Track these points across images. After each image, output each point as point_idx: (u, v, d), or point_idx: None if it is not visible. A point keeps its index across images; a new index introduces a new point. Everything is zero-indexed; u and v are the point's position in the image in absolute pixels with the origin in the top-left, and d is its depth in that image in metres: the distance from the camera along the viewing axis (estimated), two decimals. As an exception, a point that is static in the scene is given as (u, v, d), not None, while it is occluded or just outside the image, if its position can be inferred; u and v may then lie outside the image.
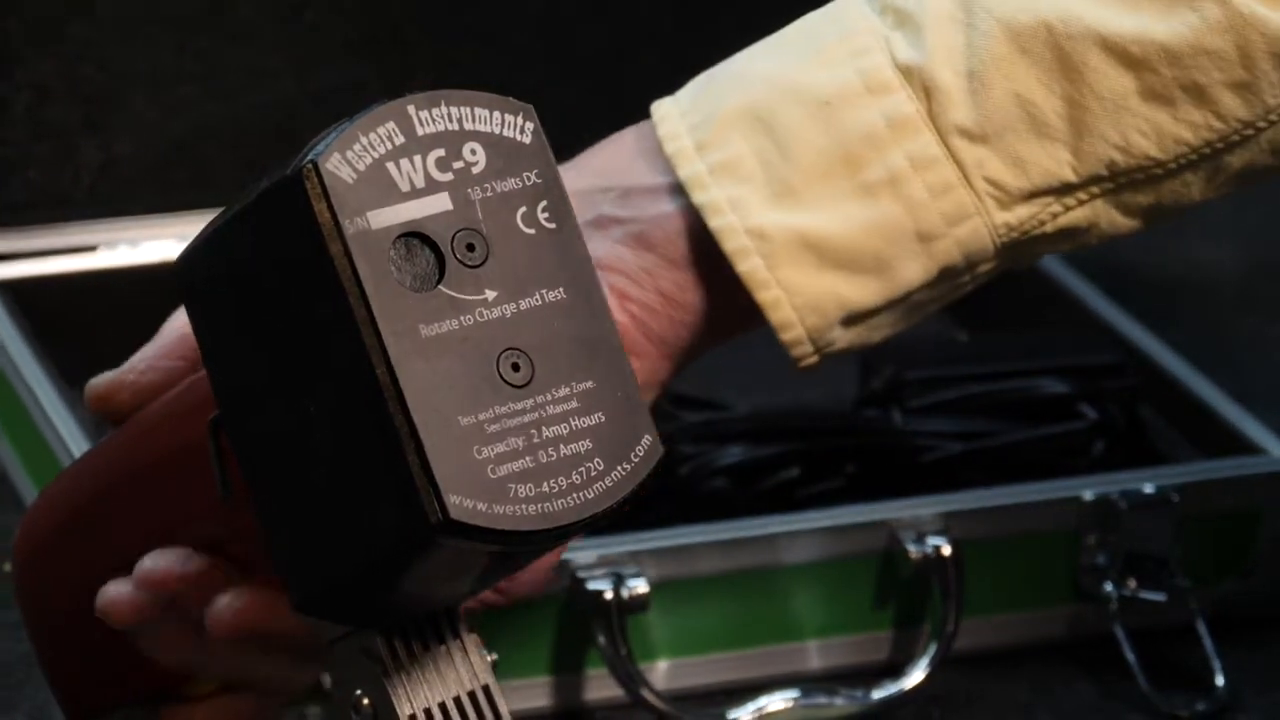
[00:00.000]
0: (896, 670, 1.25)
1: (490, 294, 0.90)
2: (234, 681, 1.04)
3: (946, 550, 1.25)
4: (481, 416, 0.89)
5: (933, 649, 1.25)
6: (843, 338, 0.99)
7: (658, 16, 1.52)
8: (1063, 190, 1.03)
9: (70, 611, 1.03)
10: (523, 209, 0.91)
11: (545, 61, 1.50)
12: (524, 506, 0.88)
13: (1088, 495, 1.27)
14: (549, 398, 0.90)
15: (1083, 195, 1.04)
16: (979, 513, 1.27)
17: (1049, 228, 1.04)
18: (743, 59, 1.06)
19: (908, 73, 1.02)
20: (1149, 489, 1.25)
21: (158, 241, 1.41)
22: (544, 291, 0.91)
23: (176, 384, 1.00)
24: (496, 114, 0.92)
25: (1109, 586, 1.25)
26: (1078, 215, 1.05)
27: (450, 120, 0.92)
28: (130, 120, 1.42)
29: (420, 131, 0.90)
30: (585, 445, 0.89)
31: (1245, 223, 1.60)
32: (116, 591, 0.98)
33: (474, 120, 0.92)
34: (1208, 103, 1.01)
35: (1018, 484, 1.31)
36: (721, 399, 1.38)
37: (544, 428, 0.89)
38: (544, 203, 0.91)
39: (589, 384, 0.90)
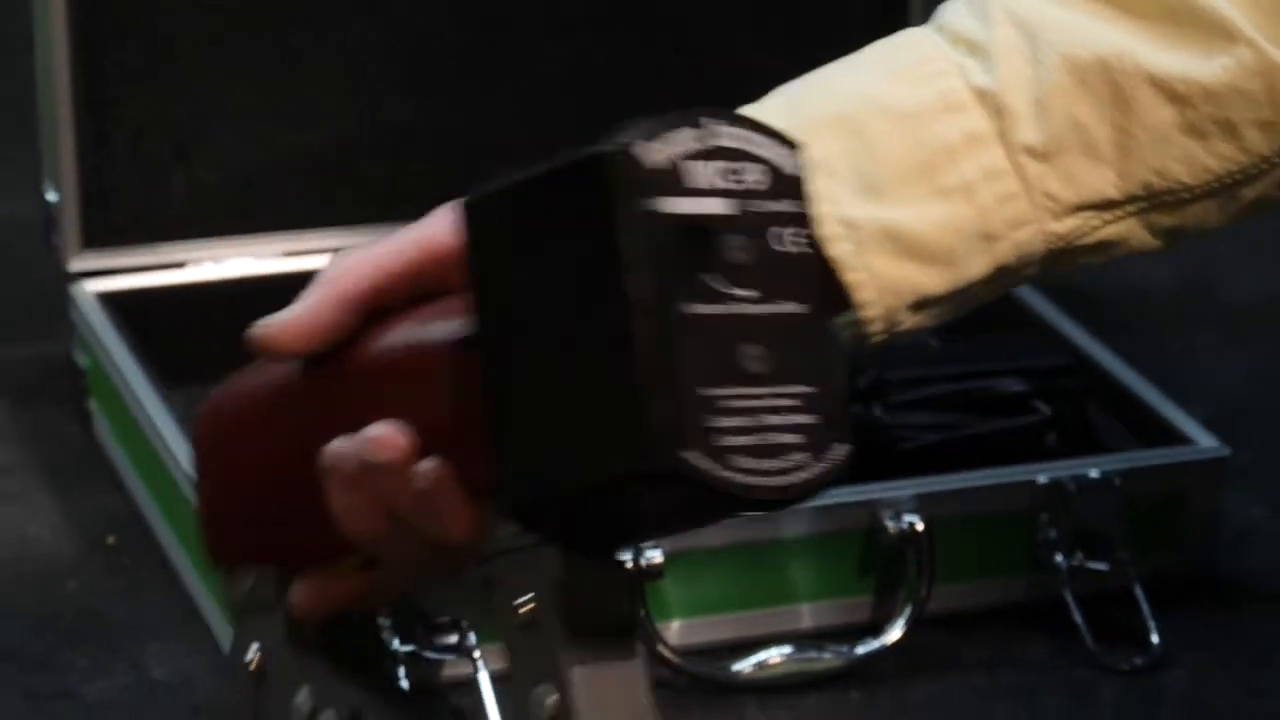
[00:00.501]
0: (877, 629, 1.31)
1: (747, 293, 0.96)
2: (385, 559, 1.06)
3: (920, 526, 1.30)
4: (718, 392, 0.94)
5: (908, 611, 1.30)
6: (909, 320, 1.04)
7: (682, 57, 1.57)
8: (1104, 206, 1.08)
9: (249, 481, 1.07)
10: (784, 230, 0.97)
11: (575, 99, 1.54)
12: (737, 475, 0.93)
13: (1042, 479, 1.31)
14: (777, 392, 0.95)
15: (1120, 213, 1.09)
16: (949, 494, 1.32)
17: (1089, 239, 1.09)
18: (825, 76, 1.11)
19: (982, 96, 1.07)
20: (1095, 474, 1.31)
21: (238, 259, 1.46)
22: (790, 303, 0.97)
23: (340, 339, 1.03)
24: (774, 144, 0.99)
25: (1060, 558, 1.30)
26: (1113, 230, 1.09)
27: (739, 140, 0.98)
28: (213, 153, 1.47)
29: (714, 143, 0.97)
30: (798, 439, 0.94)
31: (1177, 247, 1.63)
32: (341, 445, 1.02)
33: (756, 145, 0.98)
34: (1236, 137, 1.06)
35: (982, 470, 1.35)
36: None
37: (768, 416, 0.95)
38: (799, 229, 0.97)
39: (812, 389, 0.95)
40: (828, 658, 1.30)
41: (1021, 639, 1.31)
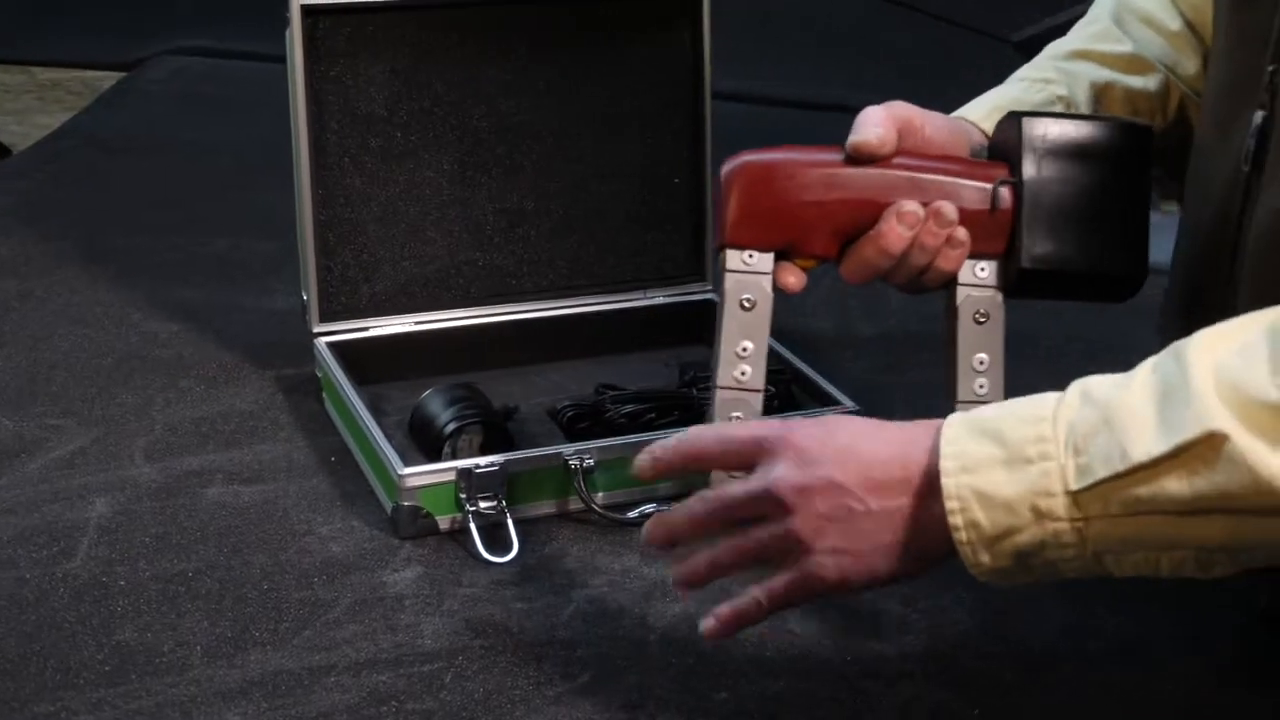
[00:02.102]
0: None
1: None
2: (870, 267, 0.97)
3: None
4: None
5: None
6: None
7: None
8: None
9: (785, 208, 0.96)
10: None
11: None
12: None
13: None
14: None
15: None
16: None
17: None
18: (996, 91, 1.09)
19: (1061, 98, 1.08)
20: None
21: (392, 326, 1.42)
22: None
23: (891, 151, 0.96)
24: None
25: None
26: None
27: None
28: (380, 276, 1.43)
29: None
30: None
31: (831, 317, 1.58)
32: (915, 205, 0.95)
33: None
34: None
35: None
36: (624, 385, 1.35)
37: None
38: None
39: None
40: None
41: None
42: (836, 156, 0.97)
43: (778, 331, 1.40)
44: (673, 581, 0.94)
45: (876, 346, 1.52)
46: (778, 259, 0.97)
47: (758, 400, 0.97)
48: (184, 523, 1.22)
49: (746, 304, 0.97)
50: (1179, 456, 0.79)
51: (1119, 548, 0.83)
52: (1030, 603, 1.10)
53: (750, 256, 0.97)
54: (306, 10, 1.33)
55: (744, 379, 0.97)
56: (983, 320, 0.97)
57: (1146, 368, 0.83)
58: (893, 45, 2.27)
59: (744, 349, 0.97)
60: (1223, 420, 0.78)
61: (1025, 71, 1.13)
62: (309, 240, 1.39)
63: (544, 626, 1.10)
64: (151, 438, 1.34)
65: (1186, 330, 0.85)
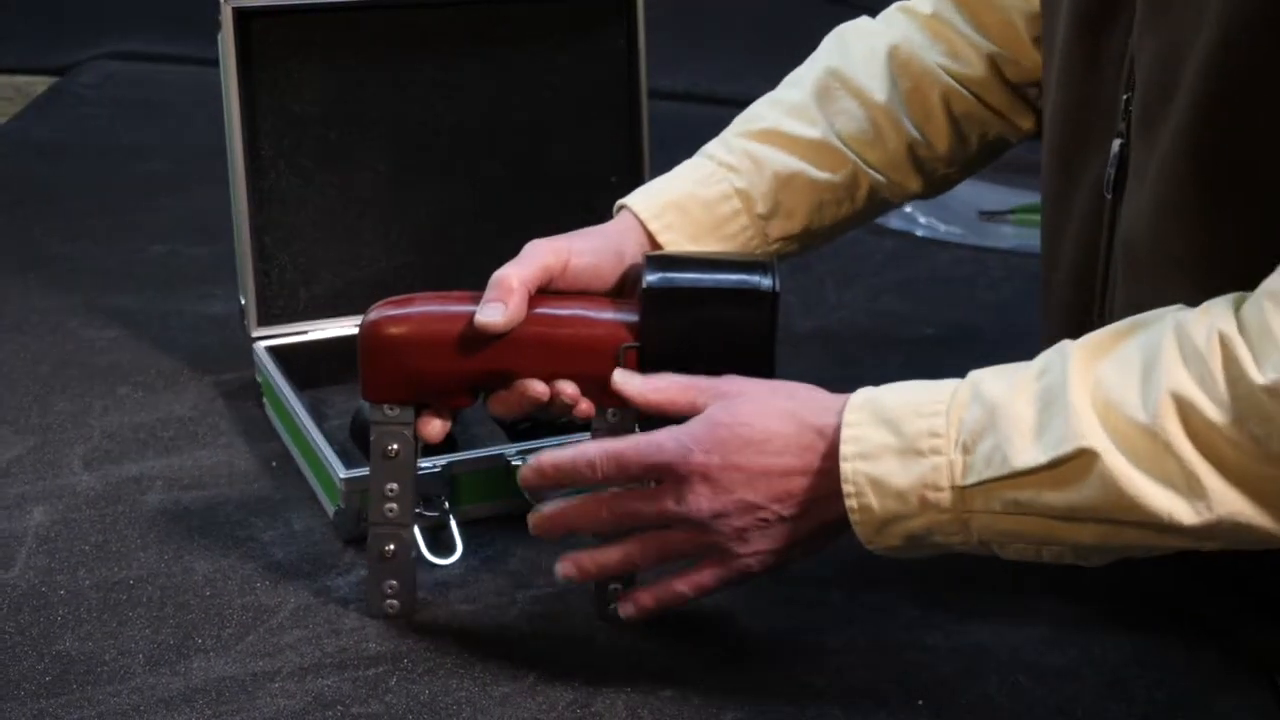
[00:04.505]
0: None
1: None
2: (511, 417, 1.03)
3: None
4: None
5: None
6: None
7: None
8: (790, 239, 1.09)
9: (421, 367, 0.99)
10: None
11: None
12: None
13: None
14: None
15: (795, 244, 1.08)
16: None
17: (784, 251, 1.09)
18: (668, 180, 1.10)
19: (739, 192, 1.09)
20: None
21: (330, 329, 1.42)
22: None
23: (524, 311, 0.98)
24: None
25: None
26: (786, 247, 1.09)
27: None
28: (319, 280, 1.43)
29: None
30: None
31: None
32: (538, 386, 0.97)
33: None
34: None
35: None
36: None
37: None
38: None
39: None
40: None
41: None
42: (471, 313, 0.99)
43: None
44: (561, 572, 1.00)
45: (816, 344, 1.52)
46: (419, 410, 1.02)
47: (409, 533, 1.05)
48: (124, 530, 1.21)
49: (390, 454, 1.03)
50: (1056, 469, 0.83)
51: (1001, 539, 0.88)
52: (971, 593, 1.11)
53: (391, 409, 1.02)
54: (238, 13, 1.32)
55: (392, 515, 1.05)
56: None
57: (1033, 371, 0.87)
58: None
59: (391, 489, 1.04)
60: (1096, 438, 0.82)
61: (715, 148, 1.13)
62: (246, 244, 1.38)
63: (489, 627, 1.10)
64: (90, 445, 1.33)
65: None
